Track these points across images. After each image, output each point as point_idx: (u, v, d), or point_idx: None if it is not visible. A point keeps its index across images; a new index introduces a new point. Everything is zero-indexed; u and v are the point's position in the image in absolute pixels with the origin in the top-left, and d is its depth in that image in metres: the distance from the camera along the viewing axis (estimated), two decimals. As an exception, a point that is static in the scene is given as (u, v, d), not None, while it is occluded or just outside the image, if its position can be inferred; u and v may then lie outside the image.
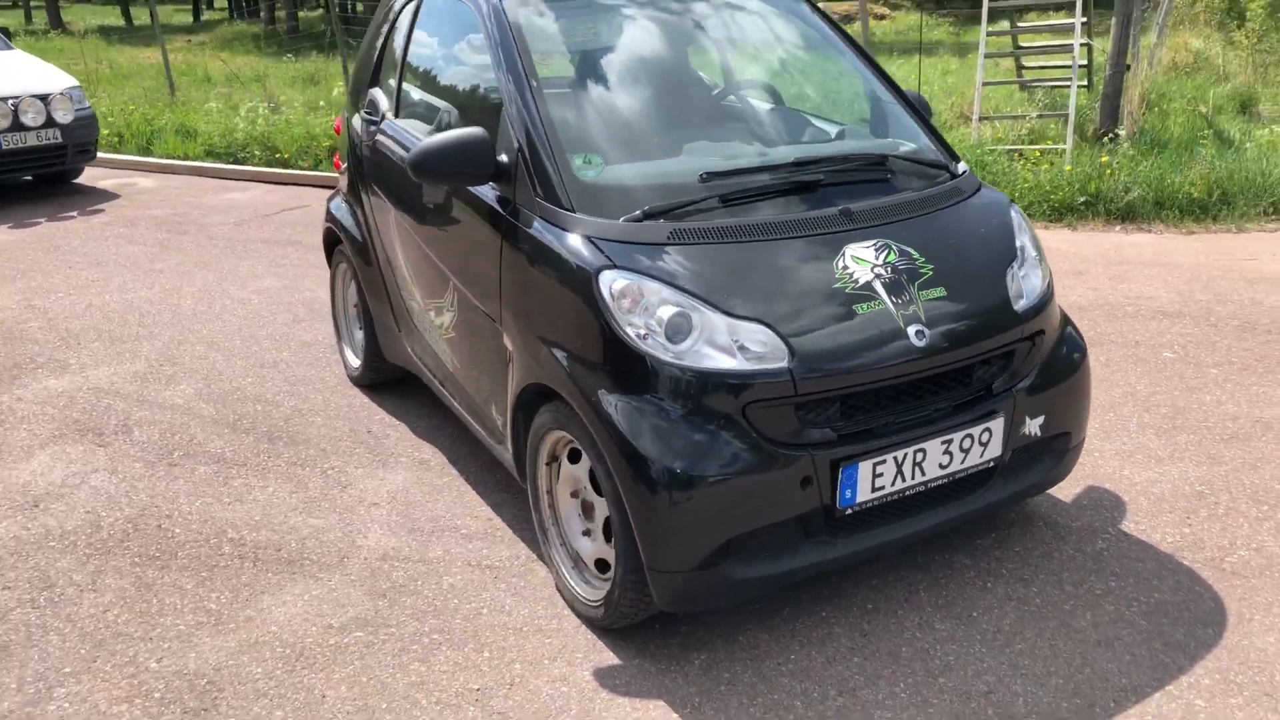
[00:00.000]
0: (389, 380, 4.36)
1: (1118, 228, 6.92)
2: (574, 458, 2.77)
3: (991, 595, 2.90)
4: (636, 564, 2.51)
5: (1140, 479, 3.50)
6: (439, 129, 3.32)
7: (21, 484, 3.64)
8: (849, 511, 2.55)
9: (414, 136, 3.44)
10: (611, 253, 2.55)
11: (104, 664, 2.68)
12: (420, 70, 3.63)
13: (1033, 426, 2.82)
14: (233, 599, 2.95)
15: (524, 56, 2.97)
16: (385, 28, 3.93)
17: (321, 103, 11.42)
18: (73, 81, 8.61)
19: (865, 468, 2.53)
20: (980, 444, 2.70)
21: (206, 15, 38.90)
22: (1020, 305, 2.78)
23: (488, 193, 2.95)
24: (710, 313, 2.45)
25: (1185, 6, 14.30)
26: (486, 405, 3.21)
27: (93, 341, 5.08)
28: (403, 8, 3.85)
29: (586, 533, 2.81)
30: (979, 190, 3.07)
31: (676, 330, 2.44)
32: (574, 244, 2.61)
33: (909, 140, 3.22)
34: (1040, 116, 8.87)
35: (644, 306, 2.47)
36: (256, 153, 9.40)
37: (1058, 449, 2.94)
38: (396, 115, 3.68)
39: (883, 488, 2.58)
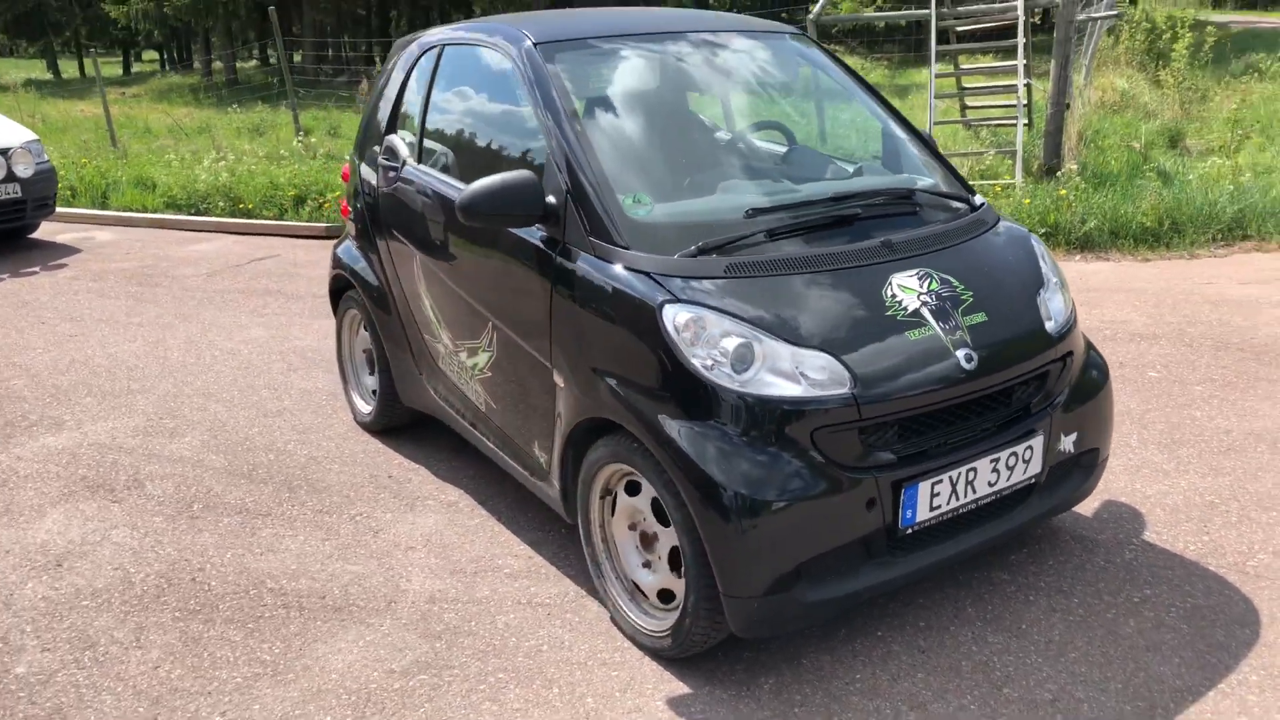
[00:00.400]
0: (401, 425, 4.35)
1: (1078, 257, 7.20)
2: (632, 490, 2.81)
3: (1036, 608, 2.99)
4: (710, 591, 2.55)
5: (1152, 492, 3.65)
6: (473, 173, 3.36)
7: (39, 543, 3.55)
8: (909, 531, 2.63)
9: (443, 181, 3.49)
10: (672, 287, 2.62)
11: (166, 720, 2.62)
12: (447, 117, 3.68)
13: (1067, 443, 2.94)
14: (285, 649, 2.91)
15: (564, 101, 3.05)
16: (400, 76, 3.98)
17: (284, 152, 11.36)
18: (32, 135, 8.47)
19: (925, 488, 2.61)
20: (1024, 461, 2.81)
21: (136, 67, 38.42)
22: (1051, 328, 2.90)
23: (532, 234, 3.00)
24: (772, 341, 2.53)
25: (1108, 49, 14.98)
26: (528, 443, 3.24)
27: (84, 397, 4.97)
28: (419, 56, 3.90)
29: (647, 564, 2.85)
30: (999, 221, 3.21)
31: (741, 360, 2.51)
32: (634, 280, 2.67)
33: (926, 175, 3.36)
34: (997, 152, 9.22)
35: (707, 338, 2.53)
36: (220, 204, 9.31)
37: (1086, 464, 3.07)
38: (420, 161, 3.72)
39: (939, 507, 2.66)
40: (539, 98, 3.08)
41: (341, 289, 4.48)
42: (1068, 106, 9.66)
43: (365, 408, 4.46)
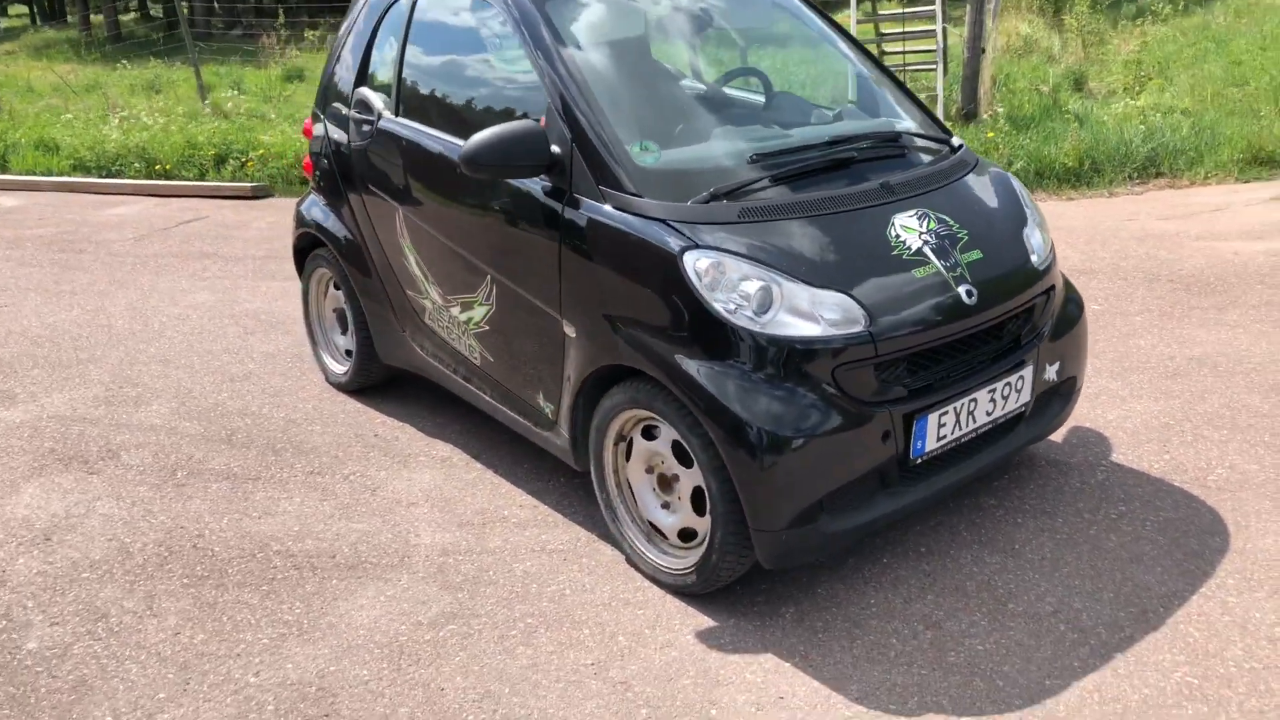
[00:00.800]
0: (377, 383, 4.32)
1: (1006, 197, 7.45)
2: (649, 435, 2.87)
3: (1025, 529, 3.17)
4: (737, 527, 2.64)
5: (1112, 417, 3.88)
6: (463, 125, 3.34)
7: (21, 518, 3.45)
8: (919, 461, 2.76)
9: (430, 135, 3.44)
10: (690, 233, 2.67)
11: (199, 685, 2.61)
12: (428, 68, 3.62)
13: (1050, 372, 3.11)
14: (306, 608, 2.91)
15: (560, 48, 3.04)
16: (367, 26, 3.89)
17: (181, 110, 10.90)
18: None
19: (933, 419, 2.74)
20: (1016, 391, 2.96)
21: (4, 22, 36.10)
22: (1036, 262, 3.05)
23: (534, 185, 3.00)
24: (790, 283, 2.61)
25: (1011, -7, 15.35)
26: (530, 394, 3.27)
27: (31, 369, 4.78)
28: (389, 6, 3.81)
29: (665, 506, 2.92)
30: (979, 162, 3.33)
31: (762, 302, 2.58)
32: (651, 227, 2.71)
33: (905, 118, 3.45)
34: (925, 98, 9.42)
35: (727, 282, 2.60)
36: (135, 165, 8.92)
37: (1064, 392, 3.25)
38: (398, 114, 3.66)
39: (945, 437, 2.80)
40: (537, 46, 3.07)
41: (307, 248, 4.40)
42: (983, 51, 9.93)
43: (339, 368, 4.40)
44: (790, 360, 2.56)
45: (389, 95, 3.71)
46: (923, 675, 2.55)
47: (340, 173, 3.99)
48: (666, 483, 2.91)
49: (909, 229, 2.86)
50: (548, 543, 3.20)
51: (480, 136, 2.87)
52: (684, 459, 2.79)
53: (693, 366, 2.61)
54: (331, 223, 4.11)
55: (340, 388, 4.39)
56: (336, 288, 4.32)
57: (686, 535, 2.89)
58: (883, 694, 2.49)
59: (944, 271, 2.80)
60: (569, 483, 3.54)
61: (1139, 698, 2.44)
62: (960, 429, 2.85)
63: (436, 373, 3.79)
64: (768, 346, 2.57)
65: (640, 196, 2.77)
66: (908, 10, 11.43)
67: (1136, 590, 2.85)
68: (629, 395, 2.84)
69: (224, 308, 5.55)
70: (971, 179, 3.20)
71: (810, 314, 2.59)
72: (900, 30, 11.49)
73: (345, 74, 3.98)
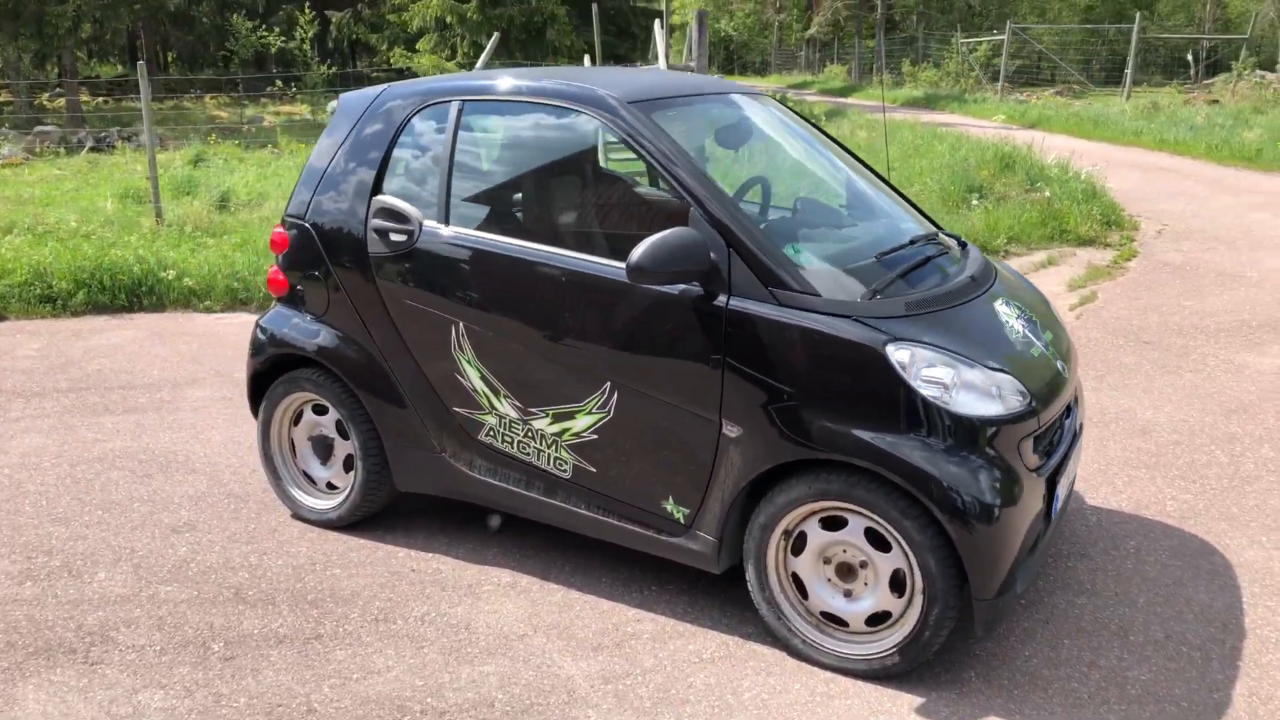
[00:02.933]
0: (368, 516, 3.92)
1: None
2: (834, 525, 2.96)
3: (1077, 570, 3.62)
4: (953, 601, 2.80)
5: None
6: (566, 237, 3.26)
7: (48, 732, 2.75)
8: (1050, 522, 3.11)
9: (515, 245, 3.31)
10: (881, 327, 2.85)
11: None
12: (494, 177, 3.47)
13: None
14: (512, 765, 2.63)
15: (688, 159, 3.11)
16: (383, 135, 3.63)
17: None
18: None
19: (1061, 483, 3.11)
20: (1079, 452, 3.42)
21: None
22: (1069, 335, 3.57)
23: (676, 290, 3.01)
24: (969, 368, 2.87)
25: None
26: (653, 501, 3.22)
27: (-125, 550, 3.77)
28: (410, 115, 3.59)
29: (847, 594, 3.00)
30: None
31: (955, 386, 2.81)
32: (840, 323, 2.85)
33: (911, 220, 3.85)
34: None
35: (925, 372, 2.80)
36: None
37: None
38: (447, 223, 3.46)
39: (1060, 498, 3.18)
40: (664, 157, 3.11)
41: (271, 371, 3.93)
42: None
43: (322, 503, 3.94)
44: (988, 438, 2.81)
45: (430, 205, 3.50)
46: (1123, 710, 2.85)
47: (349, 286, 3.66)
48: (847, 571, 2.99)
49: (1009, 315, 3.23)
50: (700, 652, 3.13)
51: (648, 246, 2.87)
52: (880, 544, 2.90)
53: (908, 452, 2.77)
54: (328, 340, 3.73)
55: (328, 524, 3.93)
56: (319, 413, 3.90)
57: (875, 620, 2.98)
58: (1113, 731, 2.75)
59: (1045, 350, 3.20)
60: (665, 590, 3.47)
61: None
62: (1068, 490, 3.23)
63: (494, 492, 3.56)
64: (969, 427, 2.79)
65: (814, 295, 2.90)
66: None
67: (1202, 608, 3.37)
68: (814, 488, 2.91)
69: (76, 451, 4.71)
70: (1002, 268, 3.66)
71: (991, 394, 2.86)
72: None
73: (347, 182, 3.68)
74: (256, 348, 3.95)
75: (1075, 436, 3.34)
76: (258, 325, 3.97)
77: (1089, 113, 17.94)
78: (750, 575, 3.10)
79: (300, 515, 4.00)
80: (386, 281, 3.58)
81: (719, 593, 3.43)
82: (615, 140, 3.24)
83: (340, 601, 3.41)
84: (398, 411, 3.66)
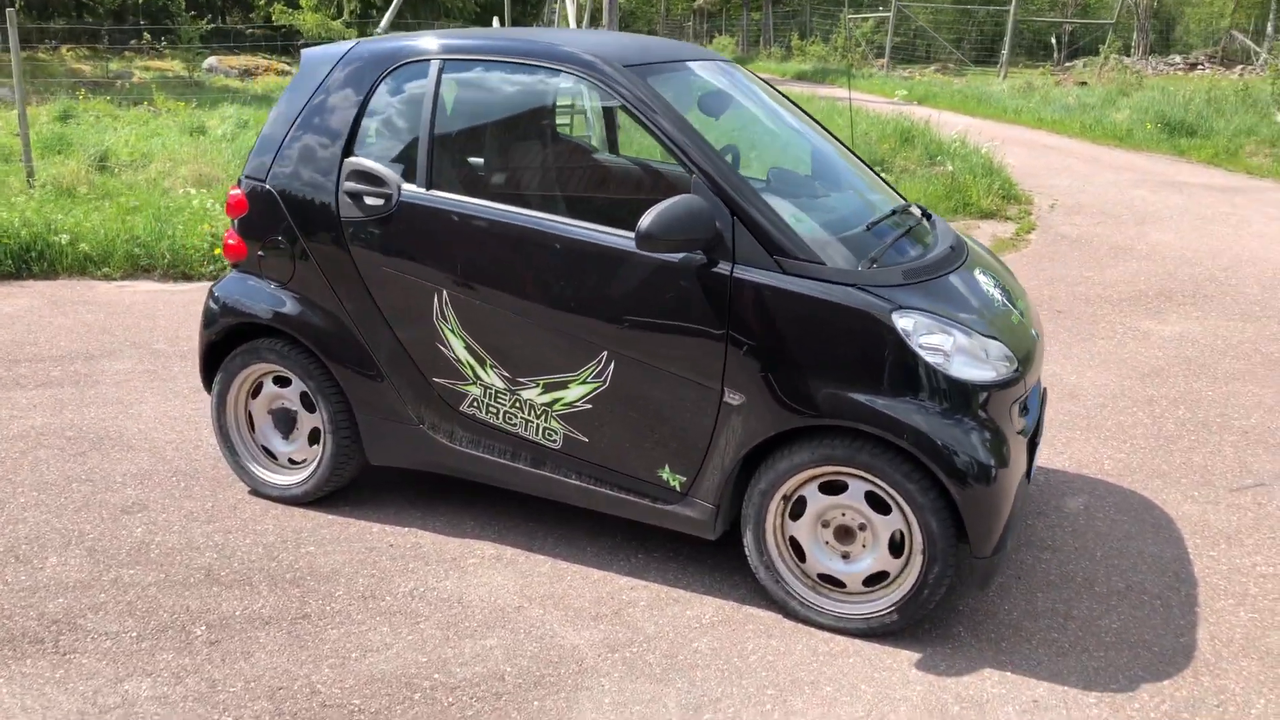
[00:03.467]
0: (334, 491, 3.80)
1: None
2: (834, 489, 3.02)
3: (1036, 528, 3.80)
4: (952, 560, 2.91)
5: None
6: (558, 204, 3.19)
7: (32, 727, 2.57)
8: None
9: (506, 211, 3.23)
10: (885, 295, 2.91)
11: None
12: (480, 142, 3.37)
13: None
14: (536, 736, 2.61)
15: (692, 127, 3.09)
16: (352, 95, 3.47)
17: None
18: None
19: (1040, 446, 3.26)
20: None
21: None
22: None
23: (678, 258, 3.00)
24: (965, 335, 2.96)
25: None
26: (648, 469, 3.22)
27: None
28: (383, 74, 3.44)
29: (845, 556, 3.08)
30: (949, 225, 3.94)
31: (954, 352, 2.91)
32: (847, 291, 2.90)
33: (889, 192, 3.93)
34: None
35: (927, 338, 2.88)
36: None
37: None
38: (429, 187, 3.35)
39: (1034, 459, 3.32)
40: (663, 124, 3.08)
41: (226, 343, 3.75)
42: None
43: (286, 478, 3.79)
44: (986, 402, 2.92)
45: (409, 168, 3.38)
46: (1102, 656, 3.02)
47: (319, 252, 3.51)
48: (845, 534, 3.06)
49: (988, 284, 3.35)
50: (699, 617, 3.16)
51: (658, 214, 2.85)
52: (880, 507, 2.98)
53: (912, 417, 2.85)
54: (294, 309, 3.58)
55: (292, 500, 3.78)
56: (281, 385, 3.74)
57: (872, 580, 3.06)
58: (1096, 677, 2.91)
59: (1021, 317, 3.33)
60: (652, 557, 3.49)
61: (1243, 630, 3.13)
62: (1040, 453, 3.39)
63: (477, 464, 3.49)
64: (967, 392, 2.89)
65: (818, 263, 2.94)
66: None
67: (1154, 558, 3.59)
68: (818, 454, 2.97)
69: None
70: (967, 239, 3.78)
71: (985, 360, 2.96)
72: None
73: (314, 143, 3.52)
74: (210, 317, 3.75)
75: (1043, 400, 3.49)
76: (211, 293, 3.77)
77: (971, 90, 18.60)
78: (748, 540, 3.14)
79: (260, 491, 3.84)
80: (360, 247, 3.45)
81: (706, 558, 3.47)
82: (610, 105, 3.19)
83: (321, 579, 3.30)
84: (371, 383, 3.54)
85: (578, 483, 3.35)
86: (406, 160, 3.42)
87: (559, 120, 3.41)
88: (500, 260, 3.26)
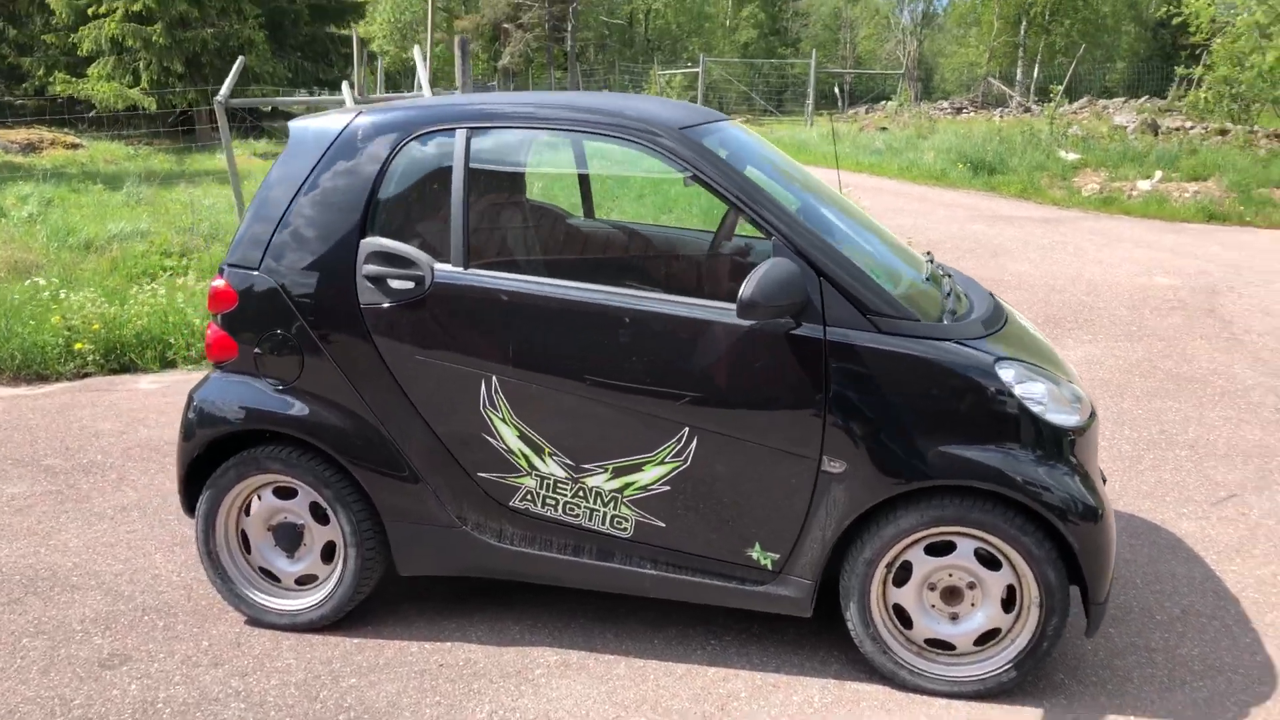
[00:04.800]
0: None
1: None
2: (941, 550, 2.93)
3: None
4: (1065, 612, 2.87)
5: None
6: (624, 272, 2.97)
7: None
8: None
9: (570, 287, 2.99)
10: (982, 347, 2.87)
11: None
12: (527, 215, 3.09)
13: None
14: None
15: (762, 188, 2.97)
16: (366, 172, 3.12)
17: None
18: None
19: (1101, 479, 3.30)
20: None
21: None
22: None
23: (759, 324, 2.86)
24: (1053, 382, 2.96)
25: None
26: (734, 550, 3.04)
27: None
28: (396, 148, 3.12)
29: (953, 617, 2.98)
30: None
31: (1049, 400, 2.90)
32: (950, 347, 2.83)
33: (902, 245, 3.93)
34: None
35: (1026, 387, 2.86)
36: None
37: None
38: (466, 266, 3.05)
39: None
40: (739, 188, 2.94)
41: (210, 455, 3.29)
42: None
43: (295, 601, 3.33)
44: (1074, 445, 2.92)
45: (440, 246, 3.08)
46: (1206, 687, 3.06)
47: (334, 344, 3.13)
48: (951, 594, 2.97)
49: (1029, 328, 3.39)
50: (809, 701, 2.98)
51: (759, 281, 2.73)
52: (991, 563, 2.91)
53: (1024, 468, 2.80)
54: (304, 410, 3.17)
55: (305, 626, 3.32)
56: (284, 496, 3.30)
57: (983, 639, 2.98)
58: (1209, 708, 2.94)
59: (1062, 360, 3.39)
60: (725, 640, 3.28)
61: (1310, 646, 3.26)
62: None
63: (531, 563, 3.18)
64: (1062, 438, 2.88)
65: (913, 320, 2.87)
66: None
67: (1188, 579, 3.70)
68: (927, 515, 2.87)
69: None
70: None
71: (1071, 404, 2.97)
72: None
73: (321, 224, 3.15)
74: (192, 427, 3.28)
75: None
76: (193, 401, 3.30)
77: (791, 139, 19.46)
78: (852, 613, 3.00)
79: (263, 620, 3.35)
80: (386, 336, 3.10)
81: (785, 635, 3.29)
82: (678, 171, 3.01)
83: (382, 716, 2.89)
84: (403, 485, 3.18)
85: (654, 572, 3.11)
86: (435, 238, 3.12)
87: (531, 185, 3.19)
88: (560, 339, 3.00)
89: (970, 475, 2.81)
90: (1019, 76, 37.58)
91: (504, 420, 3.08)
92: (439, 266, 3.07)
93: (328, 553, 3.32)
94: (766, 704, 2.96)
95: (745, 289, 2.72)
